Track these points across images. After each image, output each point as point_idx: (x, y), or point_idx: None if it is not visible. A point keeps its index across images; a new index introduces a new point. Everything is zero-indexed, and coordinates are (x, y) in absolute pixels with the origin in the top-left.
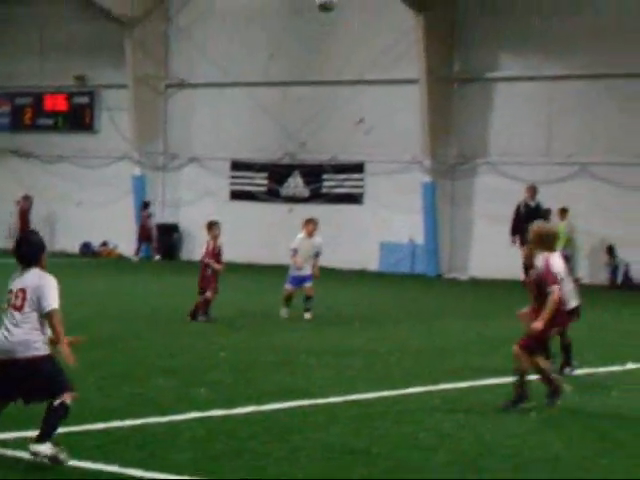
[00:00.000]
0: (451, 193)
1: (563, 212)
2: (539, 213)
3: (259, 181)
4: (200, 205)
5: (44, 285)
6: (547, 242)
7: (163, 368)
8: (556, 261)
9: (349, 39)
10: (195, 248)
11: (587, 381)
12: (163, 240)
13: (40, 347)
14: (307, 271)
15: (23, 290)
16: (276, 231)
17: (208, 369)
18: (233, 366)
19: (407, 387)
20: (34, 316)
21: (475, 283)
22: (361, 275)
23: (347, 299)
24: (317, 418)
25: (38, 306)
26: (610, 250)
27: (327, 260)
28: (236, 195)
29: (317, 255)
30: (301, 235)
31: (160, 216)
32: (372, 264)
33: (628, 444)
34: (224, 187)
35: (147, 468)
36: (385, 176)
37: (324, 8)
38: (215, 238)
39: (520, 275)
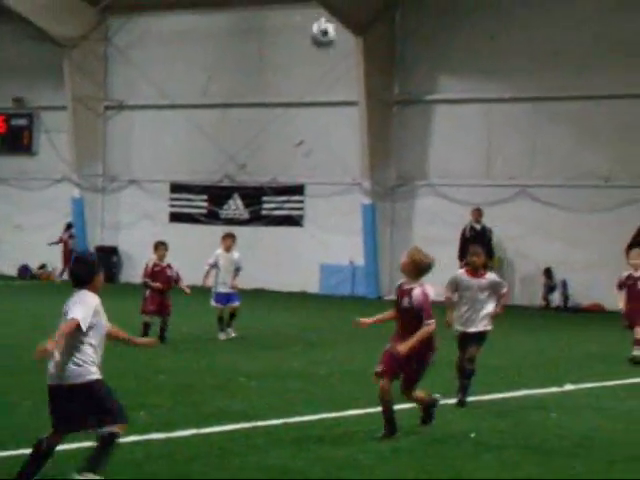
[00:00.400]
0: (391, 215)
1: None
2: (485, 236)
3: (199, 203)
4: (139, 227)
5: (75, 301)
6: (422, 271)
7: None
8: (431, 292)
9: (289, 61)
10: (135, 271)
11: (526, 403)
12: (102, 262)
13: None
14: (228, 288)
15: (65, 313)
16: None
17: (147, 392)
18: (173, 389)
19: (347, 409)
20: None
21: None
22: (301, 297)
23: (287, 321)
24: (257, 441)
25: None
26: (547, 272)
27: (267, 282)
28: (176, 217)
29: (237, 270)
30: (219, 251)
31: (99, 238)
32: (312, 286)
33: (568, 465)
34: (163, 209)
35: None
36: (325, 198)
37: (319, 43)
38: (161, 258)
39: None
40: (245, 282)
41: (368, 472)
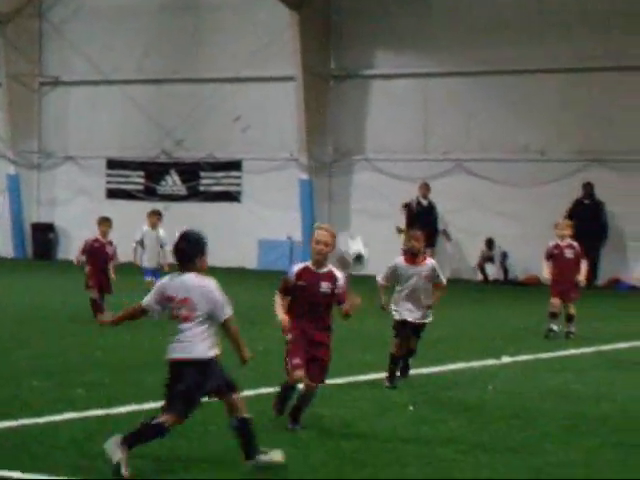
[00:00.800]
0: (328, 190)
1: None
2: (432, 211)
3: (135, 179)
4: (76, 204)
5: (219, 291)
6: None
7: (39, 369)
8: None
9: (225, 36)
10: (72, 247)
11: (463, 376)
12: (38, 239)
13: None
14: (155, 264)
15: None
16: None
17: (86, 369)
18: (111, 366)
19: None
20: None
21: (353, 279)
22: (240, 273)
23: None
24: (195, 416)
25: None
26: (489, 243)
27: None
28: (112, 193)
29: (162, 247)
30: (145, 227)
31: (35, 215)
32: (251, 262)
33: (507, 436)
34: (100, 186)
35: (25, 470)
36: (262, 174)
37: (357, 262)
38: (104, 234)
39: None
40: None
41: (308, 449)
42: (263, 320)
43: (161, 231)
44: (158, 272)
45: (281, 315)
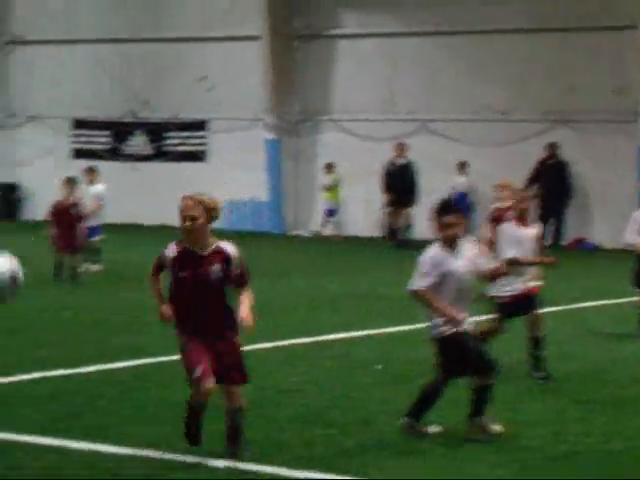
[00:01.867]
0: (294, 150)
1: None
2: (408, 171)
3: (101, 139)
4: (41, 164)
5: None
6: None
7: (4, 328)
8: None
9: None
10: (36, 208)
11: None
12: (2, 199)
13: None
14: (96, 222)
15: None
16: (119, 190)
17: (51, 329)
18: (77, 326)
19: (251, 344)
20: None
21: (319, 240)
22: None
23: None
24: (161, 377)
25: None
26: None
27: (171, 218)
28: (78, 153)
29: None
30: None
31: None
32: (216, 222)
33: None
34: (65, 145)
35: None
36: (228, 134)
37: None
38: (66, 196)
39: (376, 232)
40: (149, 218)
41: (275, 407)
42: None
43: (99, 186)
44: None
45: None
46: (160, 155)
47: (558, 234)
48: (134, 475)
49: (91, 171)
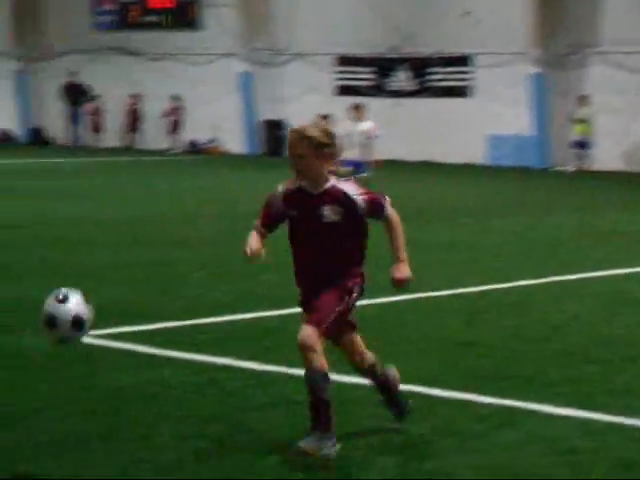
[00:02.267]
0: (560, 84)
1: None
2: None
3: (365, 75)
4: (305, 101)
5: None
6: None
7: (272, 263)
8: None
9: None
10: None
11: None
12: (269, 136)
13: None
14: (359, 157)
15: None
16: (382, 126)
17: None
18: None
19: (514, 280)
20: None
21: (584, 176)
22: (467, 169)
23: (453, 193)
24: (426, 310)
25: None
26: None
27: (433, 154)
28: (342, 90)
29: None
30: (348, 122)
31: (264, 112)
32: (479, 157)
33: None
34: (329, 82)
35: (261, 361)
36: (492, 68)
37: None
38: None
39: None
40: (411, 154)
41: (541, 342)
42: (490, 214)
43: (368, 123)
44: (361, 165)
45: None
46: (423, 91)
47: None
48: None
49: (358, 108)
